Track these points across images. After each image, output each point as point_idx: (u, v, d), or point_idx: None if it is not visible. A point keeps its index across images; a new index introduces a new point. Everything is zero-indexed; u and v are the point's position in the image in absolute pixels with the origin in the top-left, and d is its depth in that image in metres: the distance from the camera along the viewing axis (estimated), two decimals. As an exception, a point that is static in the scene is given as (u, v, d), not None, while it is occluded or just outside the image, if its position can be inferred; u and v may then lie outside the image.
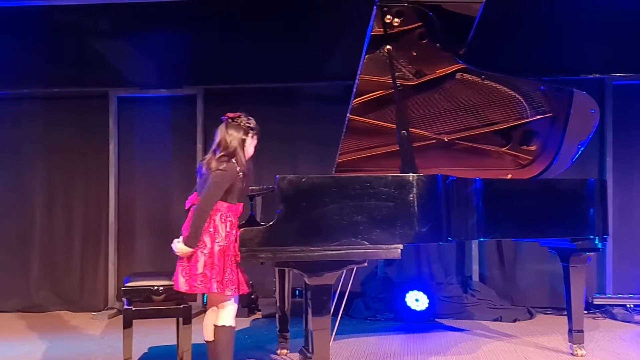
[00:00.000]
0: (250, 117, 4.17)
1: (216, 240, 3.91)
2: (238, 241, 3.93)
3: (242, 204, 4.12)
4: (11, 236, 7.08)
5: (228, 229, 3.95)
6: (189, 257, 3.92)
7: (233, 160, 3.99)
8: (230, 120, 4.13)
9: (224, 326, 4.03)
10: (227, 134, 4.06)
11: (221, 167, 3.94)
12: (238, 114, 4.17)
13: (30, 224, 7.08)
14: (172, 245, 3.95)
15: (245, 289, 4.03)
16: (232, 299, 4.04)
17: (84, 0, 6.78)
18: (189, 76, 7.04)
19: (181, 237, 3.93)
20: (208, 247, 3.91)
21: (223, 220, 3.95)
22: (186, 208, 4.14)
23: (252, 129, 4.14)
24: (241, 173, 3.99)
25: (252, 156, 4.19)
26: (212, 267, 3.89)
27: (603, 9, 6.56)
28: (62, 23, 6.96)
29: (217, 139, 4.10)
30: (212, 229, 3.93)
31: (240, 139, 4.07)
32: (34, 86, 7.06)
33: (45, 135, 7.12)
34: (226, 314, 4.04)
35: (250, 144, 4.15)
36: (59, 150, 7.11)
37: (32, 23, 6.96)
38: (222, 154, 4.01)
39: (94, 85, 7.05)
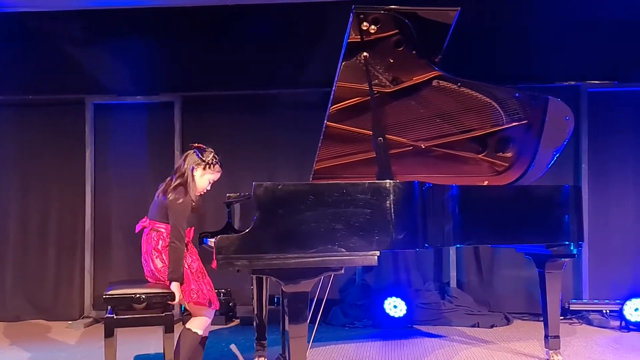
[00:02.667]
0: (215, 154, 4.33)
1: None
2: (198, 259, 4.28)
3: (193, 227, 4.35)
4: (-15, 245, 7.01)
5: (185, 251, 4.20)
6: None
7: (187, 190, 4.20)
8: (194, 151, 4.30)
9: (190, 330, 4.21)
10: (185, 163, 4.27)
11: (179, 201, 4.13)
12: (203, 146, 4.35)
13: (4, 232, 7.01)
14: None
15: (216, 305, 4.28)
16: (207, 312, 4.24)
17: (60, 7, 6.73)
18: (166, 83, 7.02)
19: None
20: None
21: None
22: (136, 231, 4.34)
23: (208, 164, 4.28)
24: (193, 199, 4.23)
25: (206, 190, 4.40)
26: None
27: (578, 18, 6.62)
28: (37, 29, 6.90)
29: (176, 165, 4.32)
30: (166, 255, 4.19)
31: (191, 168, 4.25)
32: (8, 93, 7.00)
33: (20, 143, 7.06)
34: (197, 322, 4.23)
35: (202, 176, 4.30)
36: (34, 158, 7.05)
37: (7, 29, 6.90)
38: (177, 182, 4.21)
39: (69, 92, 7.00)
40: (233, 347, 5.49)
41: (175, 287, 4.10)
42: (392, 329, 6.16)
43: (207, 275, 4.29)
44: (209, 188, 4.39)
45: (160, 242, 4.18)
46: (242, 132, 6.98)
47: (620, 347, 5.43)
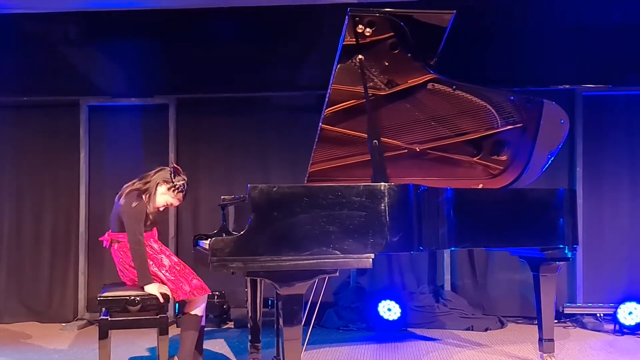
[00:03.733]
0: (186, 182, 4.39)
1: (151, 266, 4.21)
2: (171, 255, 4.35)
3: (155, 228, 4.39)
4: (-21, 247, 6.99)
5: (151, 252, 4.24)
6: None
7: (143, 197, 4.23)
8: (171, 169, 4.35)
9: (189, 313, 4.31)
10: (154, 174, 4.33)
11: (133, 205, 4.17)
12: (181, 171, 4.39)
13: (-3, 233, 6.99)
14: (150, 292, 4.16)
15: (206, 290, 4.33)
16: (199, 299, 4.32)
17: (55, 8, 6.71)
18: (161, 85, 7.00)
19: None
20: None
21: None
22: (106, 246, 4.39)
23: (174, 187, 4.33)
24: (149, 207, 4.26)
25: (159, 209, 4.40)
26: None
27: (574, 22, 6.65)
28: (32, 31, 6.89)
29: (145, 173, 4.36)
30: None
31: (156, 183, 4.29)
32: (3, 94, 6.97)
33: (14, 144, 7.03)
34: (194, 307, 4.32)
35: (163, 194, 4.33)
36: (29, 159, 7.02)
37: (2, 30, 6.88)
38: (135, 187, 4.26)
39: (64, 94, 6.98)
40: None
41: (151, 289, 4.11)
42: (386, 332, 6.15)
43: (185, 266, 4.34)
44: (161, 209, 4.43)
45: (123, 253, 4.23)
46: (237, 134, 6.98)
47: (614, 350, 5.44)
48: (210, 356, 5.29)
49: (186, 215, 7.01)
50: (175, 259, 4.34)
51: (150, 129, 7.05)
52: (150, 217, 4.27)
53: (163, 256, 4.30)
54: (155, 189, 4.28)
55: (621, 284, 6.64)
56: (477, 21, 6.39)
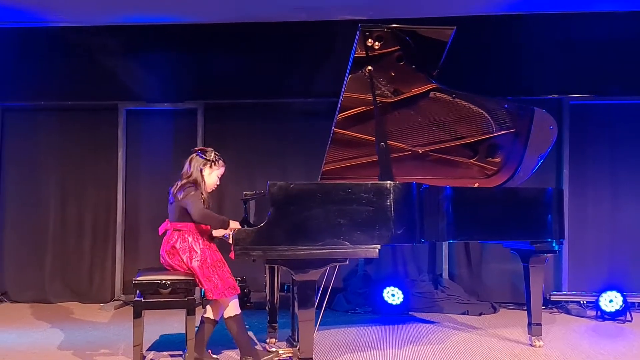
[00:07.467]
0: (216, 152, 4.32)
1: (194, 258, 4.13)
2: (216, 251, 4.24)
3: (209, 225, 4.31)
4: (28, 235, 7.01)
5: (202, 246, 4.17)
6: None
7: (196, 186, 4.17)
8: (197, 154, 4.29)
9: (231, 316, 4.24)
10: (190, 166, 4.25)
11: (192, 193, 4.11)
12: (206, 148, 4.34)
13: (45, 224, 7.00)
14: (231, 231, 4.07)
15: (236, 290, 4.24)
16: (231, 298, 4.23)
17: (97, 22, 6.75)
18: (190, 91, 7.01)
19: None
20: (190, 266, 4.13)
21: (196, 240, 4.17)
22: (160, 234, 4.32)
23: (213, 161, 4.27)
24: (204, 196, 4.21)
25: (216, 185, 4.36)
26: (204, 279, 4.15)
27: (562, 37, 6.62)
28: (76, 42, 6.91)
29: (183, 169, 4.28)
30: (187, 252, 4.14)
31: (199, 169, 4.23)
32: (50, 99, 7.01)
33: (59, 144, 7.06)
34: (231, 307, 4.26)
35: (211, 173, 4.29)
36: (72, 157, 7.05)
37: (50, 42, 6.92)
38: (184, 182, 4.18)
39: (104, 99, 6.99)
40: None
41: (233, 224, 4.11)
42: (390, 315, 6.14)
43: (225, 264, 4.23)
44: (218, 183, 4.38)
45: (179, 241, 4.15)
46: (258, 136, 6.98)
47: (595, 334, 5.41)
48: (230, 336, 5.28)
49: (212, 209, 6.98)
50: (218, 255, 4.23)
51: (181, 130, 7.06)
52: (205, 202, 4.21)
53: (212, 249, 4.21)
54: (202, 175, 4.22)
55: (602, 274, 6.58)
56: (475, 37, 6.34)
